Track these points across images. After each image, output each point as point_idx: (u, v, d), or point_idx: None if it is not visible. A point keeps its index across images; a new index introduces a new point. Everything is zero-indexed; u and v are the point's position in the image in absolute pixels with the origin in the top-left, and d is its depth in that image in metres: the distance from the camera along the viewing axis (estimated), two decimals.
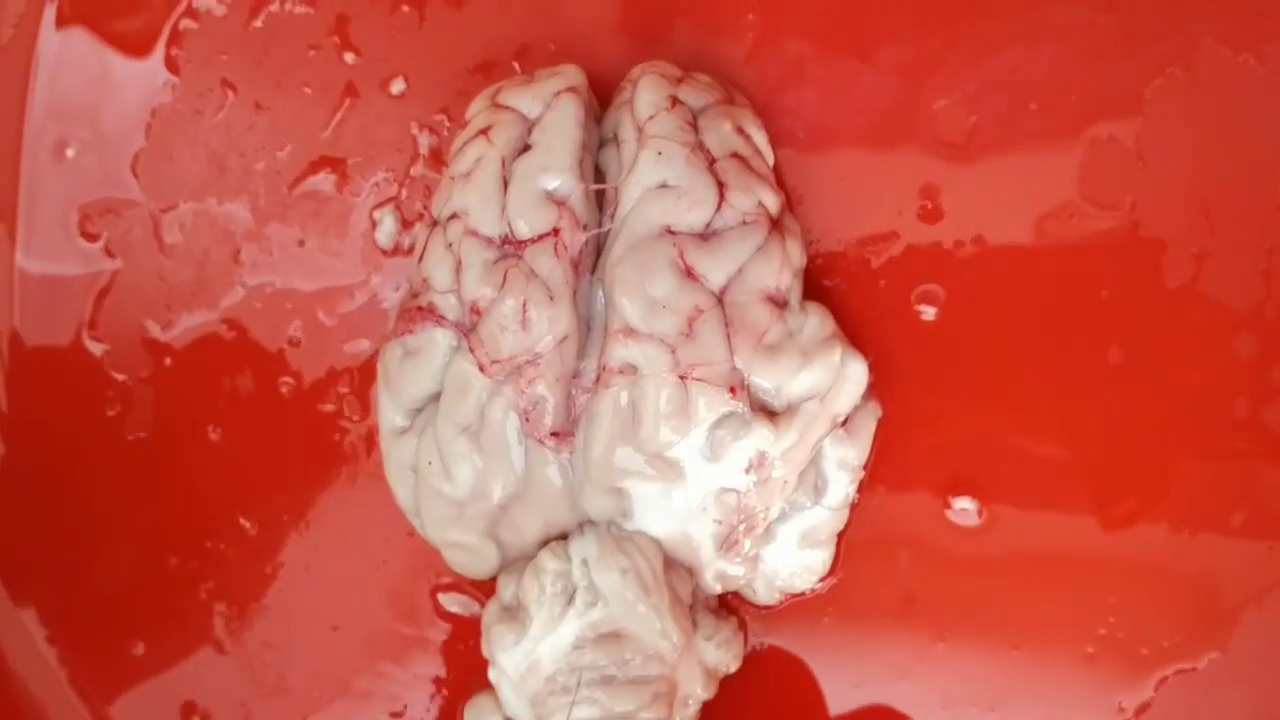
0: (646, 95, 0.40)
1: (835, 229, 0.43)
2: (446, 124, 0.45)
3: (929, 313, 0.42)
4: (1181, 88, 0.42)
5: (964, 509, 0.41)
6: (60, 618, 0.46)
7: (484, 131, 0.40)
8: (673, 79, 0.41)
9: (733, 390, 0.38)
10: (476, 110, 0.41)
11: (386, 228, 0.45)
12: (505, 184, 0.39)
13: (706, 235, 0.39)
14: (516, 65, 0.44)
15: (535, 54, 0.44)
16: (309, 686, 0.45)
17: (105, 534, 0.46)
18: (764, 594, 0.42)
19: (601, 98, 0.43)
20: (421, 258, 0.40)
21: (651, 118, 0.40)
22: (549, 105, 0.40)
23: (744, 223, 0.39)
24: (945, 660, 0.41)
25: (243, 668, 0.45)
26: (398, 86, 0.45)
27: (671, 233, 0.38)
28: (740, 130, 0.40)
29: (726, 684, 0.42)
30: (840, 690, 0.42)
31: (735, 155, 0.40)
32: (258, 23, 0.45)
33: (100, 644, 0.46)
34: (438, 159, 0.44)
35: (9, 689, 0.46)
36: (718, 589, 0.41)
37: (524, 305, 0.38)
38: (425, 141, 0.45)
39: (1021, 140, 0.42)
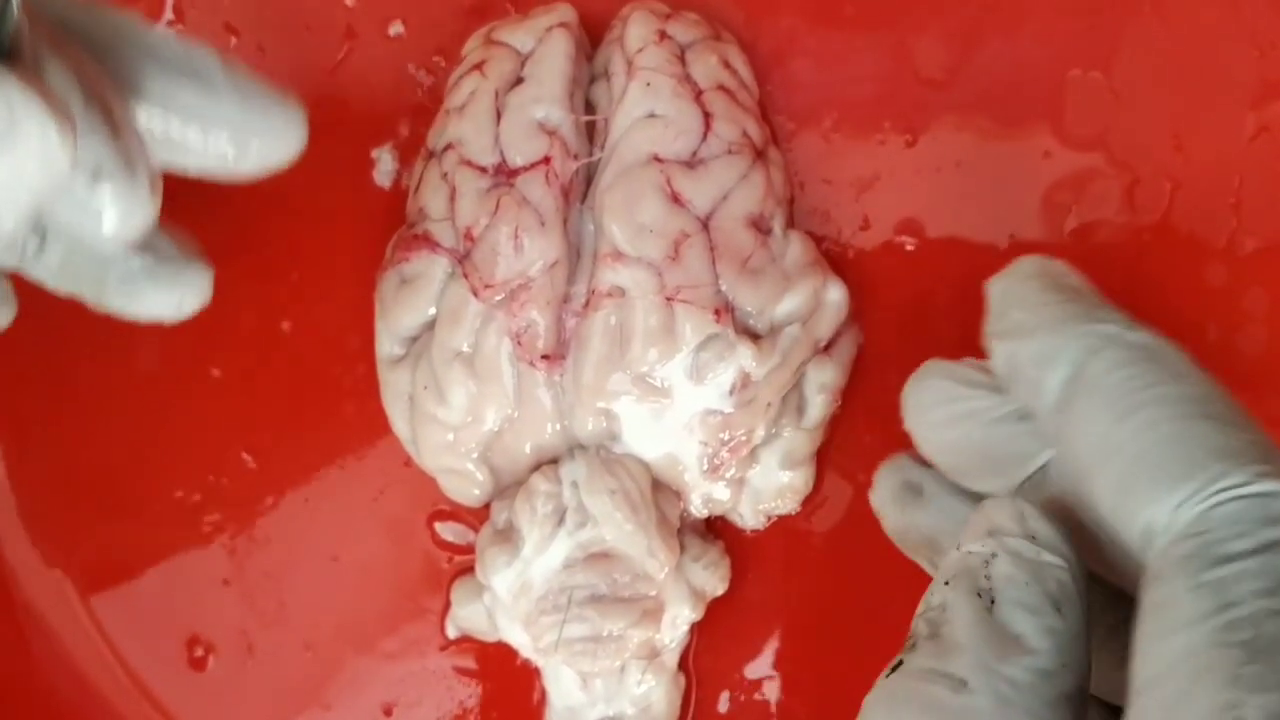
0: (636, 30, 0.41)
1: (822, 169, 0.44)
2: (443, 65, 0.45)
3: (910, 244, 0.43)
4: (1155, 26, 0.43)
5: None
6: (65, 550, 0.47)
7: (478, 66, 0.41)
8: (661, 15, 0.42)
9: (717, 313, 0.39)
10: (472, 47, 0.43)
11: (384, 166, 0.46)
12: (498, 115, 0.41)
13: (693, 163, 0.40)
14: (510, 7, 0.45)
15: None
16: (309, 616, 0.46)
17: (110, 469, 0.47)
18: (750, 517, 0.43)
19: (593, 37, 0.43)
20: (417, 188, 0.42)
21: (640, 51, 0.41)
22: (541, 40, 0.41)
23: (729, 151, 0.40)
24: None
25: (244, 598, 0.46)
26: (395, 29, 0.46)
27: (659, 160, 0.40)
28: (726, 64, 0.42)
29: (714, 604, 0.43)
30: (824, 609, 0.43)
31: (721, 88, 0.41)
32: None
33: (106, 577, 0.47)
34: (435, 98, 0.45)
35: (21, 624, 0.47)
36: (705, 513, 0.43)
37: (516, 231, 0.39)
38: (423, 81, 0.46)
39: (1001, 77, 0.43)
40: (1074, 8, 0.43)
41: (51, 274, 0.39)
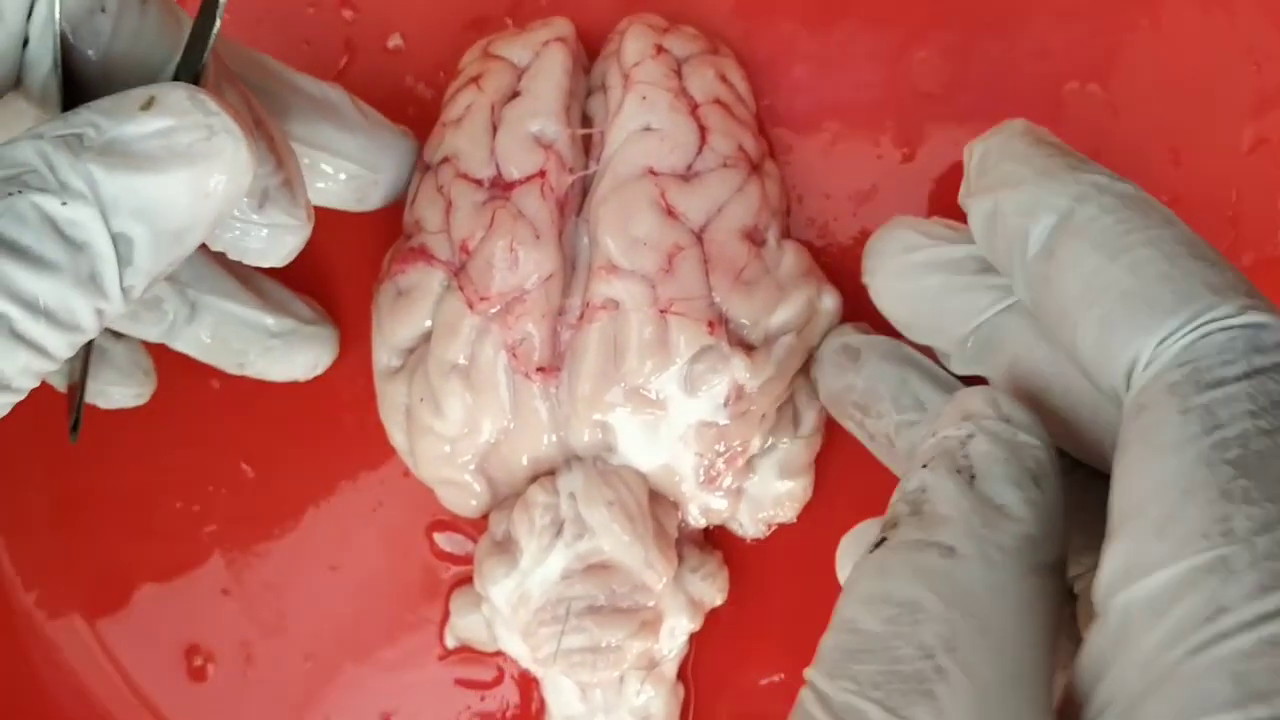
0: (633, 43, 0.41)
1: (820, 181, 0.44)
2: (442, 77, 0.45)
3: None
4: (1152, 40, 0.43)
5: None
6: (64, 560, 0.47)
7: (475, 79, 0.42)
8: (659, 29, 0.42)
9: (711, 325, 0.39)
10: (469, 60, 0.43)
11: None
12: (494, 129, 0.41)
13: (688, 176, 0.40)
14: (509, 21, 0.45)
15: (528, 9, 0.45)
16: (308, 626, 0.46)
17: (110, 480, 0.47)
18: (750, 526, 0.43)
19: (590, 52, 0.44)
20: (414, 201, 0.42)
21: (637, 64, 0.41)
22: (537, 54, 0.41)
23: (724, 165, 0.40)
24: None
25: (244, 608, 0.46)
26: (394, 42, 0.46)
27: (654, 173, 0.40)
28: (723, 78, 0.42)
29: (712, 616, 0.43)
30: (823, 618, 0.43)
31: (718, 102, 0.41)
32: None
33: (105, 588, 0.47)
34: (433, 111, 0.45)
35: (21, 635, 0.47)
36: (702, 523, 0.43)
37: (511, 244, 0.39)
38: (421, 94, 0.46)
39: (998, 90, 0.43)
40: (1072, 20, 0.43)
41: (198, 345, 0.42)
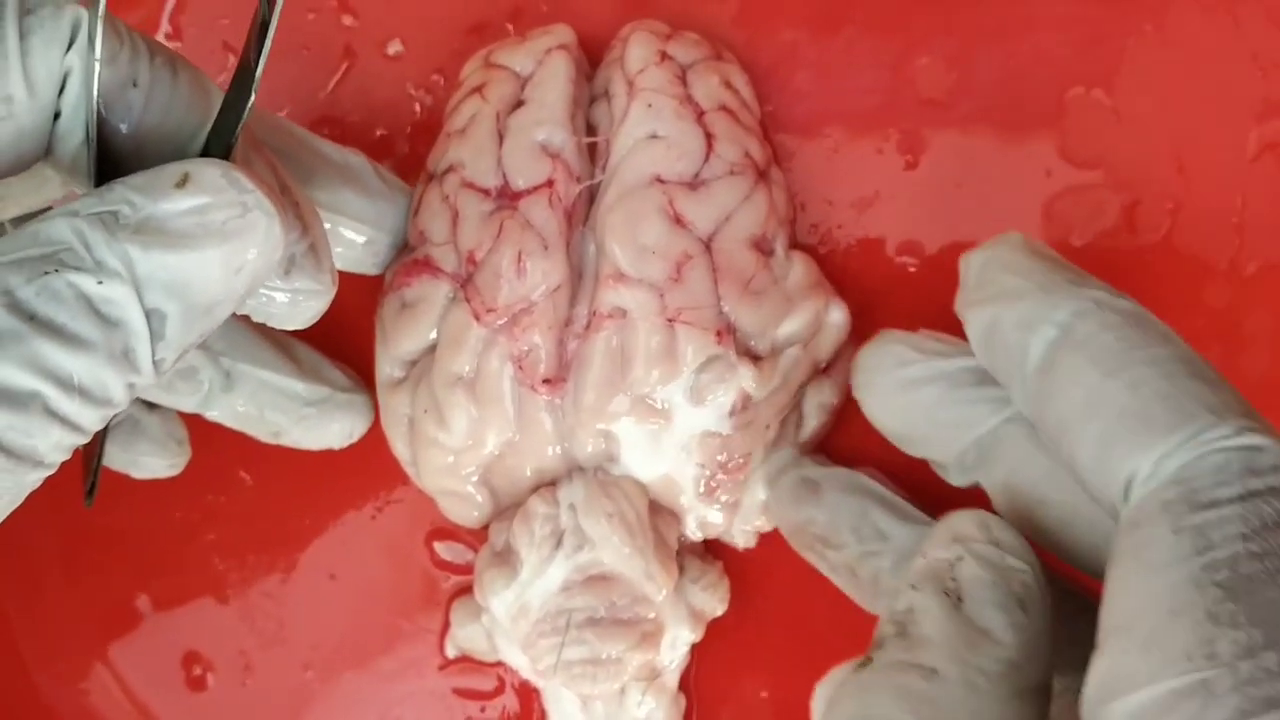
0: (636, 50, 0.41)
1: (823, 188, 0.44)
2: (442, 84, 0.45)
3: (911, 264, 0.43)
4: (1157, 45, 0.43)
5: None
6: (64, 570, 0.47)
7: (478, 89, 0.41)
8: (662, 35, 0.42)
9: (719, 334, 0.39)
10: (471, 69, 0.43)
11: None
12: (500, 138, 0.40)
13: (695, 184, 0.40)
14: (510, 27, 0.45)
15: (528, 15, 0.45)
16: (308, 635, 0.46)
17: (108, 489, 0.47)
18: (739, 537, 0.43)
19: (592, 58, 0.43)
20: (417, 211, 0.41)
21: (641, 71, 0.41)
22: (540, 62, 0.41)
23: (731, 172, 0.40)
24: None
25: (243, 618, 0.46)
26: (394, 48, 0.46)
27: (661, 181, 0.39)
28: (728, 84, 0.41)
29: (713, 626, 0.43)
30: (824, 629, 0.43)
31: (724, 108, 0.41)
32: None
33: (104, 595, 0.47)
34: (434, 118, 0.45)
35: (19, 644, 0.47)
36: (699, 536, 0.42)
37: (519, 255, 0.39)
38: (421, 101, 0.46)
39: (1002, 96, 0.43)
40: (1076, 26, 0.43)
41: (233, 415, 0.42)
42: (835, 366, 0.42)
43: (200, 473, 0.46)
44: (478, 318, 0.39)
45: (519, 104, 0.41)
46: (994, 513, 0.32)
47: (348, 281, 0.38)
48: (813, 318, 0.40)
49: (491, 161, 0.40)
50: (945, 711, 0.26)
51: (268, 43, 0.29)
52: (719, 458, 0.40)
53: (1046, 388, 0.29)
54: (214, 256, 0.28)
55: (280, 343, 0.42)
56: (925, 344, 0.36)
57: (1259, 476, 0.25)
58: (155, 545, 0.47)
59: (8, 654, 0.47)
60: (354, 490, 0.46)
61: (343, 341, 0.45)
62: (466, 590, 0.45)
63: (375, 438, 0.44)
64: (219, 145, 0.31)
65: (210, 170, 0.29)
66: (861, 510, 0.37)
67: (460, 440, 0.40)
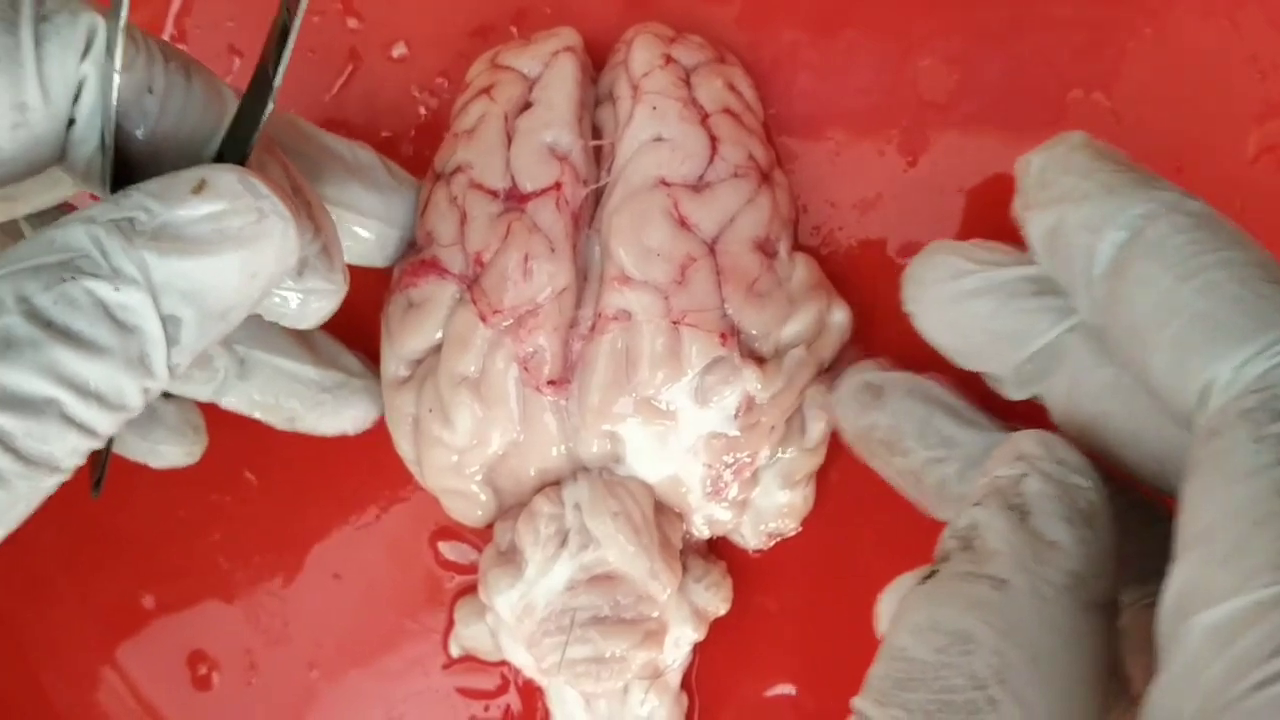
0: (641, 54, 0.41)
1: (825, 190, 0.44)
2: (446, 86, 0.46)
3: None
4: (1156, 48, 0.43)
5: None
6: (70, 570, 0.47)
7: (486, 90, 0.41)
8: (666, 39, 0.42)
9: (723, 336, 0.39)
10: (477, 72, 0.43)
11: None
12: (509, 139, 0.41)
13: (699, 186, 0.40)
14: (514, 29, 0.45)
15: (531, 18, 0.45)
16: (312, 634, 0.46)
17: (113, 490, 0.47)
18: (751, 538, 0.43)
19: (595, 60, 0.44)
20: (424, 211, 0.42)
21: (646, 75, 0.41)
22: (547, 64, 0.41)
23: (735, 175, 0.40)
24: None
25: (248, 617, 0.46)
26: (399, 50, 0.46)
27: (666, 184, 0.40)
28: (731, 87, 0.42)
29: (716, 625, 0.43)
30: (826, 628, 0.44)
31: (727, 111, 0.41)
32: None
33: (110, 594, 0.47)
34: (438, 119, 0.45)
35: (24, 644, 0.47)
36: (706, 533, 0.43)
37: (526, 257, 0.39)
38: (426, 103, 0.46)
39: (1003, 98, 0.43)
40: (1075, 29, 0.43)
41: (249, 402, 0.42)
42: (838, 366, 0.42)
43: (205, 473, 0.46)
44: (484, 319, 0.39)
45: (527, 106, 0.41)
46: (1052, 427, 0.32)
47: (360, 270, 0.38)
48: (816, 319, 0.40)
49: (500, 163, 0.40)
50: (1015, 620, 0.26)
51: (288, 50, 0.30)
52: (725, 458, 0.40)
53: (1115, 293, 0.28)
54: (230, 262, 0.29)
55: (294, 330, 0.42)
56: (979, 254, 0.35)
57: None
58: (161, 545, 0.47)
59: (14, 654, 0.47)
60: (358, 490, 0.46)
61: (355, 329, 0.45)
62: (470, 590, 0.45)
63: (380, 438, 0.44)
64: (234, 150, 0.31)
65: (226, 176, 0.29)
66: (926, 416, 0.36)
67: (465, 440, 0.40)
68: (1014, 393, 0.35)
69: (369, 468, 0.46)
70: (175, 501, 0.47)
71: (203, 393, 0.42)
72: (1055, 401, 0.34)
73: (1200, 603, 0.24)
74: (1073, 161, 0.31)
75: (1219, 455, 0.25)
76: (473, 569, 0.45)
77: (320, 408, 0.43)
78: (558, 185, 0.40)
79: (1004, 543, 0.28)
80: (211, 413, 0.46)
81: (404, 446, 0.43)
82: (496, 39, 0.45)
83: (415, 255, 0.42)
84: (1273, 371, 0.25)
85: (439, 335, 0.41)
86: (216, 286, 0.29)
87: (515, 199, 0.40)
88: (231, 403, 0.42)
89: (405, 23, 0.46)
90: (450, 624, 0.45)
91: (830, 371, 0.42)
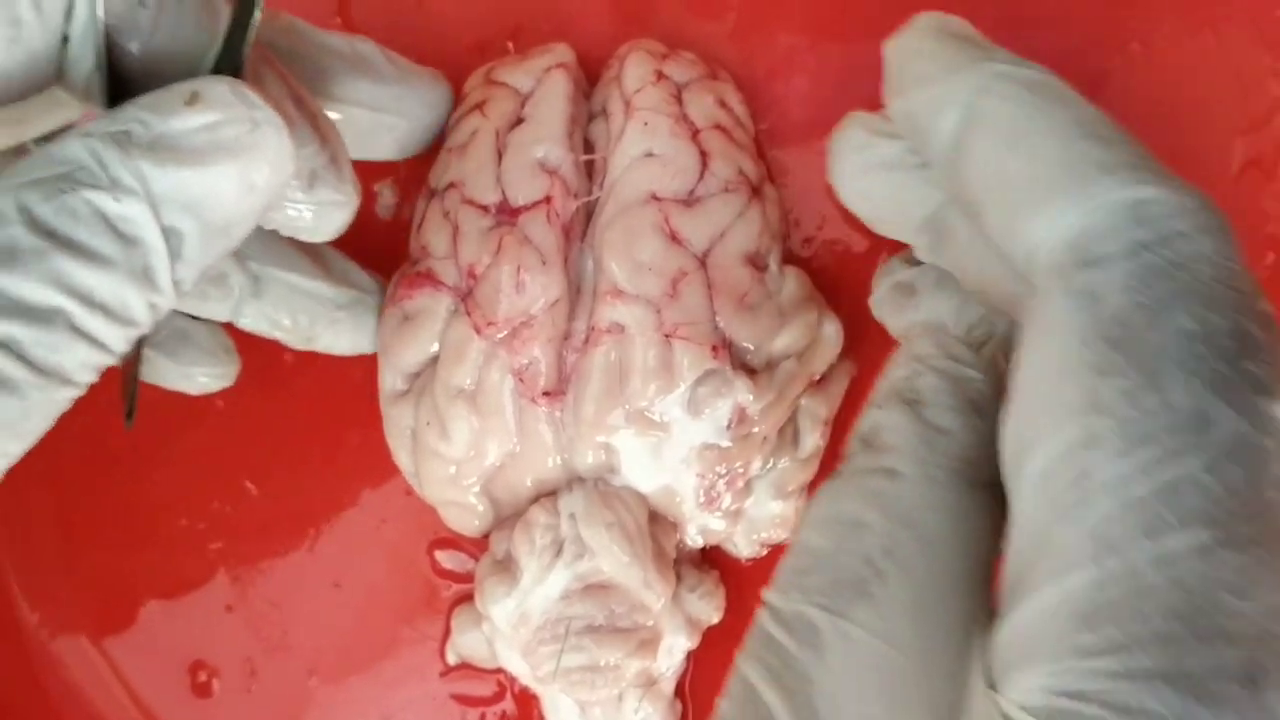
0: (633, 70, 0.42)
1: (816, 203, 0.45)
2: None
3: None
4: (1142, 64, 0.44)
5: None
6: (71, 576, 0.48)
7: (479, 106, 0.42)
8: (658, 55, 0.43)
9: (715, 349, 0.39)
10: (472, 86, 0.43)
11: (385, 200, 0.46)
12: (500, 155, 0.41)
13: (690, 201, 0.40)
14: (510, 45, 0.46)
15: (528, 34, 0.46)
16: (311, 642, 0.47)
17: (116, 498, 0.47)
18: (745, 547, 0.44)
19: (591, 76, 0.44)
20: (420, 226, 0.42)
21: (638, 91, 0.41)
22: (540, 80, 0.42)
23: (726, 189, 0.41)
24: None
25: (248, 624, 0.47)
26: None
27: (657, 199, 0.40)
28: (722, 103, 0.42)
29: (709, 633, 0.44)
30: None
31: (718, 126, 0.41)
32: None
33: (111, 603, 0.47)
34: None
35: (27, 650, 0.48)
36: (700, 543, 0.43)
37: (518, 270, 0.40)
38: None
39: None
40: (1063, 44, 0.44)
41: (266, 320, 0.42)
42: (830, 377, 0.43)
43: (206, 482, 0.47)
44: (478, 331, 0.40)
45: (518, 121, 0.42)
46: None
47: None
48: (807, 331, 0.41)
49: (491, 178, 0.41)
50: (906, 505, 0.28)
51: None
52: (718, 469, 0.40)
53: (957, 168, 0.29)
54: (227, 172, 0.29)
55: (307, 247, 0.42)
56: (882, 125, 0.36)
57: (1146, 227, 0.25)
58: (161, 553, 0.47)
59: (14, 659, 0.48)
60: (357, 500, 0.46)
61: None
62: (467, 598, 0.45)
63: (379, 448, 0.44)
64: (229, 62, 0.31)
65: (219, 87, 0.29)
66: (960, 301, 0.36)
67: (462, 451, 0.41)
68: (925, 259, 0.36)
69: (367, 478, 0.46)
70: (176, 510, 0.47)
71: (220, 311, 0.41)
72: (954, 269, 0.35)
73: (1025, 453, 0.25)
74: (921, 45, 0.31)
75: (1038, 312, 0.26)
76: (469, 578, 0.46)
77: (336, 325, 0.43)
78: (548, 199, 0.40)
79: (898, 436, 0.29)
80: (213, 421, 0.46)
81: (403, 459, 0.43)
82: (494, 54, 0.45)
83: (410, 268, 0.42)
84: (1082, 223, 0.26)
85: (435, 347, 0.41)
86: (215, 198, 0.29)
87: (506, 213, 0.41)
88: (248, 323, 0.42)
89: (403, 39, 0.46)
90: (447, 632, 0.46)
91: (821, 383, 0.42)
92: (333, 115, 0.38)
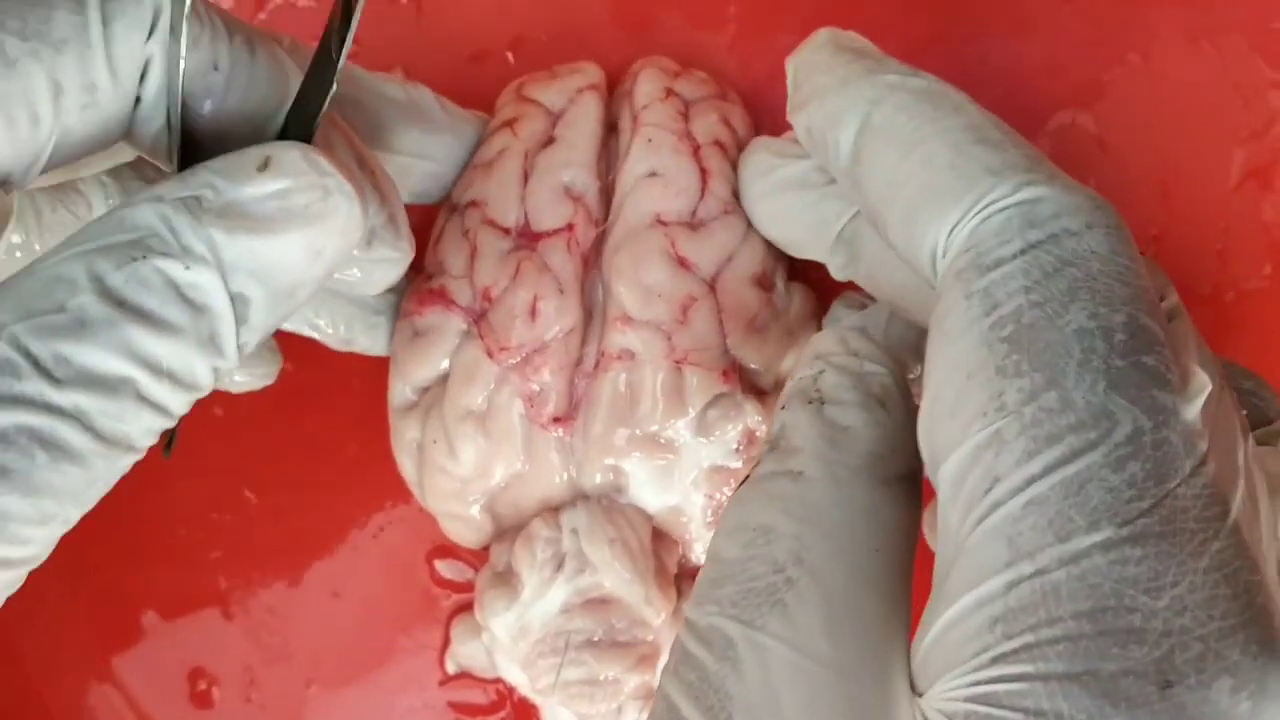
0: (644, 86, 0.42)
1: None
2: None
3: None
4: (1141, 74, 0.44)
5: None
6: (71, 586, 0.47)
7: (510, 123, 0.42)
8: (671, 73, 0.42)
9: (725, 374, 0.39)
10: (504, 102, 0.43)
11: None
12: (525, 176, 0.41)
13: (694, 224, 0.40)
14: (510, 56, 0.46)
15: (529, 44, 0.46)
16: (311, 650, 0.47)
17: (114, 508, 0.47)
18: None
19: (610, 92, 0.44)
20: (437, 241, 0.42)
21: (646, 107, 0.41)
22: (572, 100, 0.42)
23: (726, 211, 0.40)
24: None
25: (248, 634, 0.47)
26: (397, 76, 0.46)
27: (663, 223, 0.40)
28: (725, 121, 0.42)
29: None
30: None
31: (717, 143, 0.41)
32: (263, 15, 0.46)
33: (111, 612, 0.47)
34: None
35: (26, 661, 0.48)
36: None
37: (535, 297, 0.39)
38: None
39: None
40: (1062, 55, 0.44)
41: (304, 321, 0.42)
42: None
43: (206, 492, 0.47)
44: (491, 355, 0.40)
45: (548, 141, 0.41)
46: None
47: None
48: None
49: (514, 200, 0.41)
50: (812, 506, 0.28)
51: (352, 28, 0.29)
52: (725, 490, 0.40)
53: (857, 179, 0.30)
54: (296, 240, 0.29)
55: None
56: (785, 148, 0.37)
57: (1038, 227, 0.26)
58: (161, 563, 0.47)
59: (14, 672, 0.47)
60: (357, 509, 0.46)
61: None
62: (466, 607, 0.45)
63: (378, 457, 0.44)
64: (299, 126, 0.31)
65: (291, 153, 0.29)
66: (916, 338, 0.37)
67: (469, 471, 0.41)
68: (839, 277, 0.37)
69: (367, 487, 0.46)
70: (176, 520, 0.47)
71: None
72: (866, 283, 0.35)
73: (938, 457, 0.26)
74: (817, 60, 0.32)
75: (941, 317, 0.27)
76: (468, 587, 0.46)
77: (374, 330, 0.43)
78: (570, 227, 0.40)
79: (803, 437, 0.29)
80: (213, 430, 0.46)
81: (408, 469, 0.43)
82: (492, 65, 0.45)
83: (425, 283, 0.42)
84: (979, 228, 0.27)
85: (445, 365, 0.41)
86: (283, 265, 0.29)
87: (527, 237, 0.40)
88: (287, 324, 0.41)
89: (403, 49, 0.46)
90: (446, 641, 0.46)
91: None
92: (388, 167, 0.38)
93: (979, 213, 0.27)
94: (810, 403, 0.30)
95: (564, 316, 0.40)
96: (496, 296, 0.40)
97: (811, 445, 0.29)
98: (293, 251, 0.29)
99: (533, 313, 0.39)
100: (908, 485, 0.29)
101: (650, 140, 0.41)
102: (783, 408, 0.31)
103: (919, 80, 0.30)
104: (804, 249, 0.37)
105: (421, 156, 0.40)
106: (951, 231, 0.27)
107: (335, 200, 0.29)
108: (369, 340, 0.43)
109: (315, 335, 0.42)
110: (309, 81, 0.31)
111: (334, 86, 0.30)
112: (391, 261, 0.35)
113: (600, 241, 0.41)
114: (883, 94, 0.30)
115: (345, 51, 0.30)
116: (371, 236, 0.34)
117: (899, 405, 0.30)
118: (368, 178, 0.33)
